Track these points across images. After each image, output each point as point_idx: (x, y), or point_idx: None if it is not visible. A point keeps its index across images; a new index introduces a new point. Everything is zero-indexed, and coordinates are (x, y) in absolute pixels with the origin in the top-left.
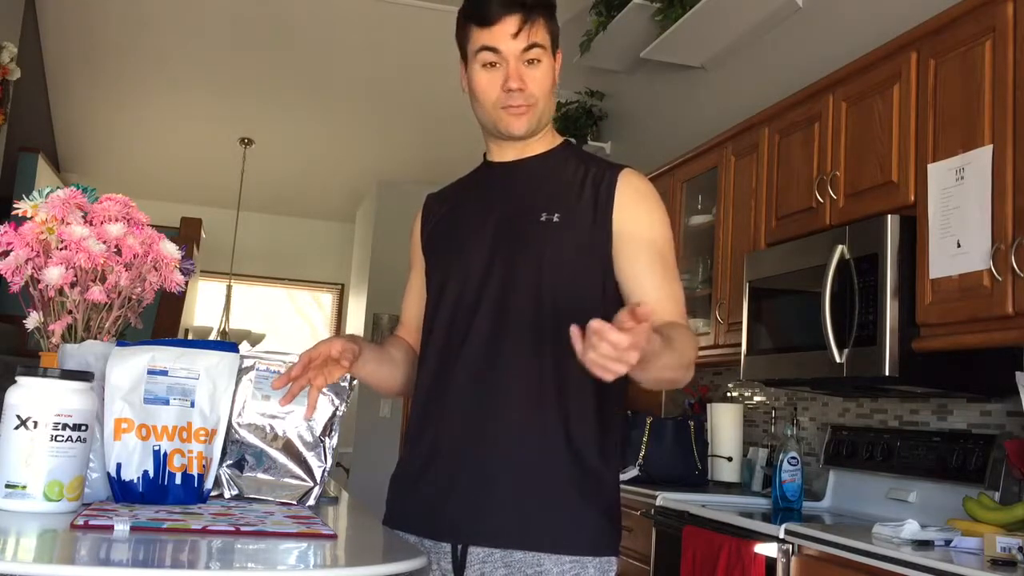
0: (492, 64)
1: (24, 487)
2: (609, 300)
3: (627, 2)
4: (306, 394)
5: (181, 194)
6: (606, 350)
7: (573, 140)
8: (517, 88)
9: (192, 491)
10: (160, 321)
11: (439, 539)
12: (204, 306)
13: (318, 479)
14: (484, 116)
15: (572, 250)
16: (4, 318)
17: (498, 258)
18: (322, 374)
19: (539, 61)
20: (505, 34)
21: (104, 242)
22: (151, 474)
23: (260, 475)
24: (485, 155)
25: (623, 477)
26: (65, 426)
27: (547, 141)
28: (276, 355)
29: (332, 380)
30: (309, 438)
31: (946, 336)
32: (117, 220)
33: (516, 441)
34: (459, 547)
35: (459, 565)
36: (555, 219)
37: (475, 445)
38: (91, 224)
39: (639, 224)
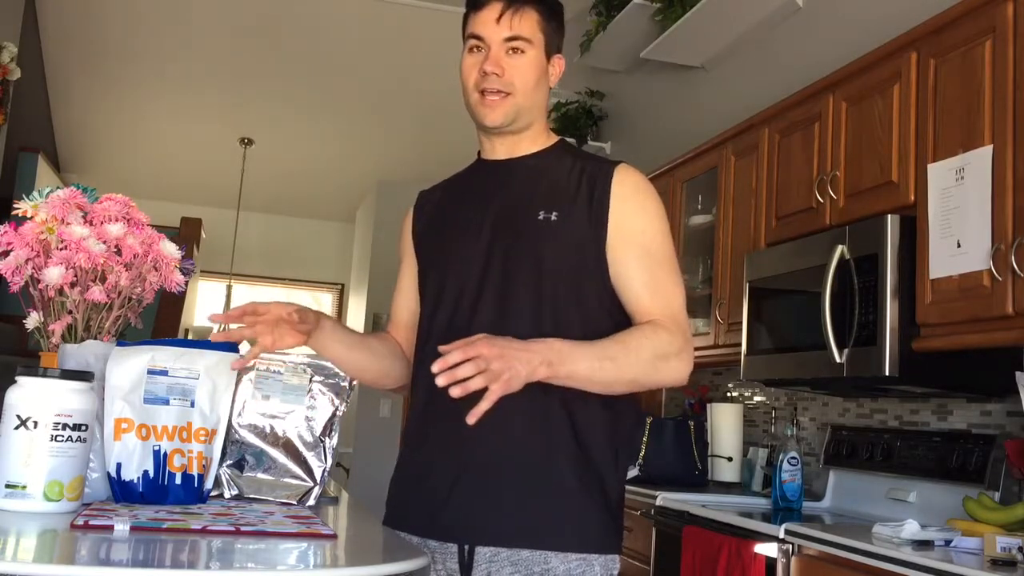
0: (477, 48)
1: (24, 487)
2: (608, 296)
3: (627, 2)
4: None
5: (181, 194)
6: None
7: (569, 140)
8: (492, 71)
9: (192, 491)
10: (160, 321)
11: (444, 540)
12: (204, 306)
13: (318, 479)
14: (466, 101)
15: (571, 248)
16: (4, 318)
17: (496, 256)
18: (271, 334)
19: (522, 52)
20: (490, 20)
21: (104, 242)
22: (151, 474)
23: (260, 475)
24: (479, 152)
25: None
26: (65, 426)
27: (541, 140)
28: (276, 355)
29: (281, 346)
30: (309, 438)
31: (946, 336)
32: (117, 220)
33: (520, 439)
34: (466, 547)
35: (466, 566)
36: (553, 217)
37: (478, 444)
38: (91, 224)
39: (633, 222)
